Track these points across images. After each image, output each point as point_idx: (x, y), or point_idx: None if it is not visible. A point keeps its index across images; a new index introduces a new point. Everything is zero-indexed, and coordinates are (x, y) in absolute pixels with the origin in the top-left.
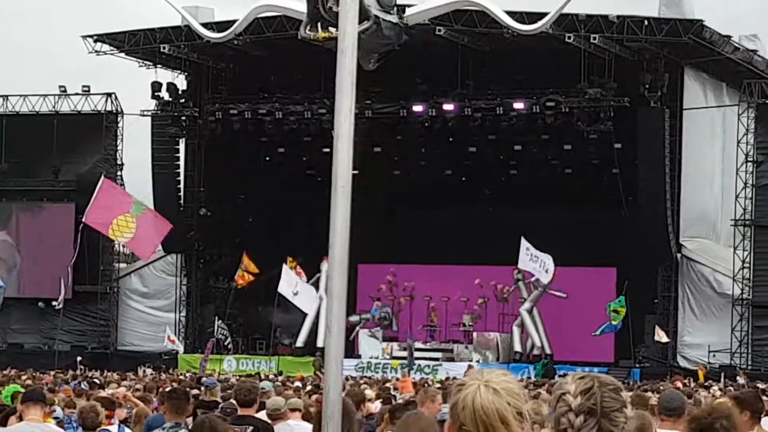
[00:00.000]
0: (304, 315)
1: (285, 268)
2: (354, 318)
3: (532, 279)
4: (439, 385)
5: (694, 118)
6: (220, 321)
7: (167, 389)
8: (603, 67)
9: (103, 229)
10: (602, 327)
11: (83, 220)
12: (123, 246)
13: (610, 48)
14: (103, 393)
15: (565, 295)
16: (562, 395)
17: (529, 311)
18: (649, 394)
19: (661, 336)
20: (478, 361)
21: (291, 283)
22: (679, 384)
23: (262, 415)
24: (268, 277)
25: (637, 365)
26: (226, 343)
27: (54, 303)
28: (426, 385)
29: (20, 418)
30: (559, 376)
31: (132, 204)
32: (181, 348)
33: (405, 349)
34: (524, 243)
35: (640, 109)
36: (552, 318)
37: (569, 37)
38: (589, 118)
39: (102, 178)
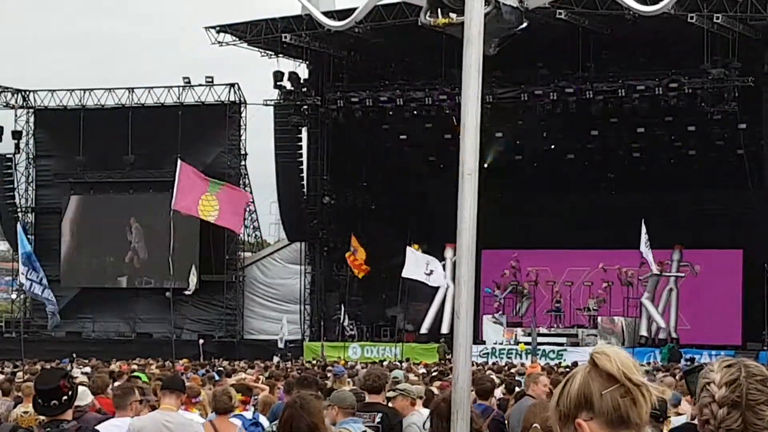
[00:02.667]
0: (430, 302)
1: (410, 250)
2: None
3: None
4: (567, 370)
5: None
6: (343, 308)
7: (297, 377)
8: (726, 46)
9: (192, 212)
10: None
11: (172, 206)
12: (247, 236)
13: (733, 27)
14: (231, 381)
15: (683, 275)
16: (706, 384)
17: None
18: None
19: None
20: None
21: (420, 264)
22: None
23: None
24: (392, 263)
25: (765, 348)
26: (350, 332)
27: (186, 292)
28: (552, 370)
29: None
30: (686, 360)
31: (209, 183)
32: (282, 342)
33: (530, 335)
34: (643, 228)
35: (765, 88)
36: (679, 301)
37: (692, 18)
38: (713, 99)
39: (179, 161)
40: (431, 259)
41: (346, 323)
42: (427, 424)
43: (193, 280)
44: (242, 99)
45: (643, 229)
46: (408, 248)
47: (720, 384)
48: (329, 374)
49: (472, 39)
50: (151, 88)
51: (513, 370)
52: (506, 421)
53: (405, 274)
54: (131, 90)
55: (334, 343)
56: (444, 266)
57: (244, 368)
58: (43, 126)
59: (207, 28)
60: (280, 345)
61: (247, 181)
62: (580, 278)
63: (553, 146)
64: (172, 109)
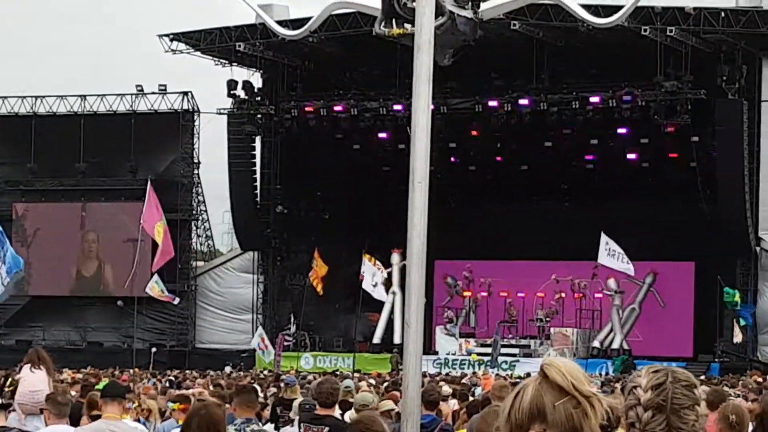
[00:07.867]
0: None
1: (365, 261)
2: None
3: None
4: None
5: None
6: (293, 319)
7: (237, 386)
8: (679, 59)
9: (152, 233)
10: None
11: (141, 222)
12: (200, 245)
13: (686, 40)
14: (180, 391)
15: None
16: (633, 388)
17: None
18: (727, 389)
19: (737, 335)
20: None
21: (372, 275)
22: (758, 378)
23: (344, 413)
24: (345, 273)
25: (716, 360)
26: (291, 342)
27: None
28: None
29: (93, 417)
30: (638, 372)
31: (162, 215)
32: (271, 355)
33: (490, 345)
34: (604, 238)
35: (717, 101)
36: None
37: (645, 30)
38: (665, 112)
39: (149, 183)
40: (377, 271)
41: (288, 334)
42: None
43: (155, 287)
44: (196, 107)
45: (604, 239)
46: (364, 259)
47: (646, 388)
48: (281, 384)
49: (422, 47)
50: (104, 95)
51: (465, 380)
52: None
53: (364, 285)
54: (83, 98)
55: (287, 353)
56: (390, 272)
57: (195, 377)
58: None
59: (160, 36)
60: (263, 351)
61: (200, 190)
62: (534, 289)
63: (506, 157)
64: (124, 117)
